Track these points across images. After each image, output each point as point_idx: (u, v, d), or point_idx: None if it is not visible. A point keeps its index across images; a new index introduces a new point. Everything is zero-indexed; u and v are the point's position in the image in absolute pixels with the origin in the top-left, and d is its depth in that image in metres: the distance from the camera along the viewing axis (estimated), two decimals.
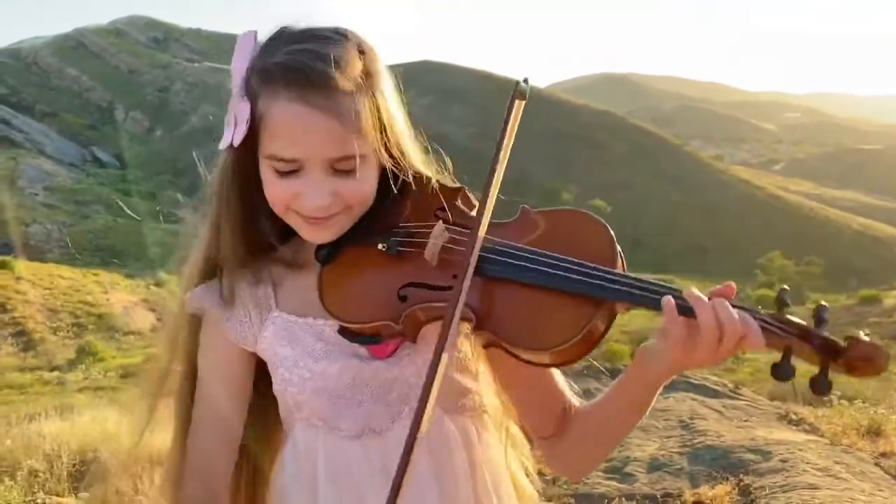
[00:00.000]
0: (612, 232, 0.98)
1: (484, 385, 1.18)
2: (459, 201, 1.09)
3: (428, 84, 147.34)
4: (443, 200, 1.08)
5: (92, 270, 59.22)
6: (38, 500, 4.94)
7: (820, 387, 0.87)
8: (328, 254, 1.09)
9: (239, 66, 1.06)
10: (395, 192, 1.10)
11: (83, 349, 35.02)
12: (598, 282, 0.92)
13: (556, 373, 1.16)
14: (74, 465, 5.79)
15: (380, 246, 1.05)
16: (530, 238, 1.00)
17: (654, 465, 4.87)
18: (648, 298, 0.91)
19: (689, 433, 5.37)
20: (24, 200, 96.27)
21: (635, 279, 0.93)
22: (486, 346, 1.02)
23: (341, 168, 1.02)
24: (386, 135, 1.05)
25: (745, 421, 5.81)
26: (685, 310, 0.89)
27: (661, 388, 1.01)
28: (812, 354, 0.88)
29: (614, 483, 4.46)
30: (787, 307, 0.91)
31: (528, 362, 0.97)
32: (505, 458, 1.19)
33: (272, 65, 1.02)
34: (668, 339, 0.92)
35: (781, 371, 0.88)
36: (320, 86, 0.98)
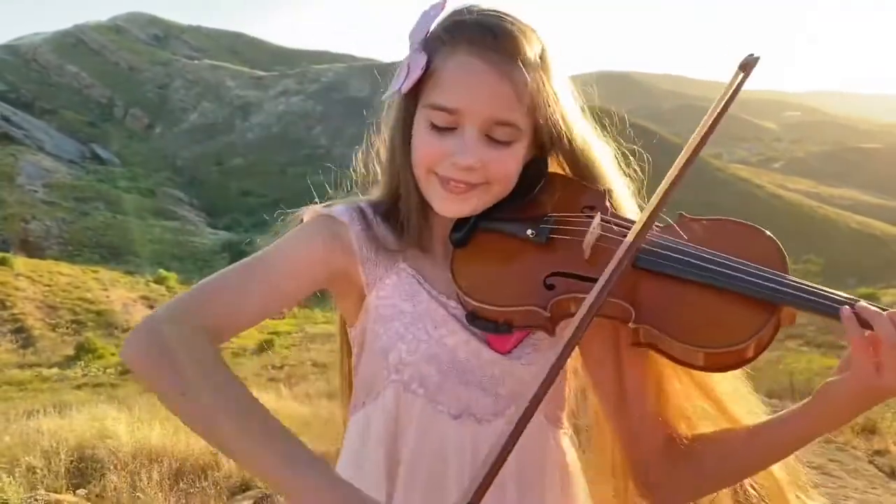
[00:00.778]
0: (779, 244, 0.96)
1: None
2: (608, 201, 1.07)
3: None
4: (588, 198, 1.07)
5: (91, 267, 59.22)
6: (37, 497, 4.96)
7: None
8: (464, 237, 1.06)
9: (422, 25, 1.05)
10: (545, 178, 1.10)
11: (82, 346, 35.04)
12: (775, 285, 0.89)
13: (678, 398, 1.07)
14: (72, 462, 5.82)
15: (528, 232, 1.03)
16: (692, 239, 0.98)
17: None
18: (826, 305, 0.87)
19: None
20: (24, 197, 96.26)
21: (809, 285, 0.89)
22: (639, 345, 0.95)
23: (497, 136, 1.02)
24: (553, 122, 1.05)
25: None
26: (864, 322, 0.85)
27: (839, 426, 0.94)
28: None
29: None
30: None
31: (680, 362, 0.93)
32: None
33: (463, 21, 1.03)
34: (850, 361, 0.87)
35: None
36: (504, 47, 1.00)
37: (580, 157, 1.10)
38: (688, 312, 0.91)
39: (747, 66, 0.97)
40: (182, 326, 0.93)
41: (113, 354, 38.68)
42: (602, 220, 1.01)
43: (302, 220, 1.12)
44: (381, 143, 1.14)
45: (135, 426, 7.30)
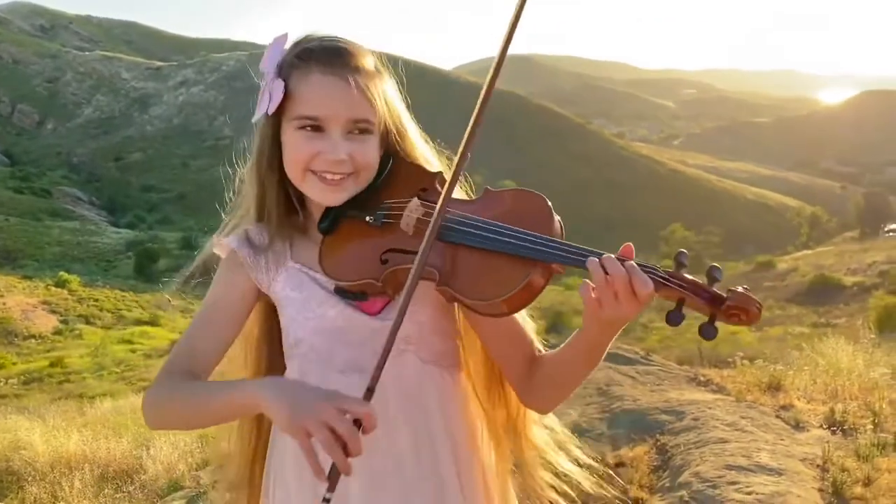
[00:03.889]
0: (549, 204, 1.16)
1: (471, 352, 1.40)
2: (437, 183, 1.28)
3: None
4: (423, 181, 1.29)
5: None
6: None
7: (707, 332, 1.05)
8: (329, 226, 1.30)
9: (272, 57, 1.29)
10: (388, 171, 1.32)
11: None
12: (532, 245, 1.10)
13: (525, 325, 1.33)
14: None
15: (367, 219, 1.26)
16: (492, 213, 1.19)
17: (577, 432, 5.01)
18: (574, 260, 1.09)
19: (607, 399, 5.60)
20: None
21: (564, 244, 1.10)
22: (450, 301, 1.19)
23: (356, 130, 1.26)
24: (392, 118, 1.31)
25: (658, 385, 6.10)
26: (603, 268, 1.07)
27: (610, 342, 1.17)
28: (701, 305, 1.05)
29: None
30: (683, 267, 1.07)
31: (480, 312, 1.16)
32: (485, 412, 1.40)
33: (308, 48, 1.27)
34: (594, 299, 1.08)
35: (673, 317, 1.05)
36: (346, 61, 1.25)
37: (413, 148, 1.36)
38: (472, 272, 1.15)
39: None
40: (163, 384, 1.26)
41: (15, 364, 36.85)
42: (421, 201, 1.24)
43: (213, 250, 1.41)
44: (246, 170, 1.38)
45: (50, 435, 7.03)
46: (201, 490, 4.98)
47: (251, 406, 1.13)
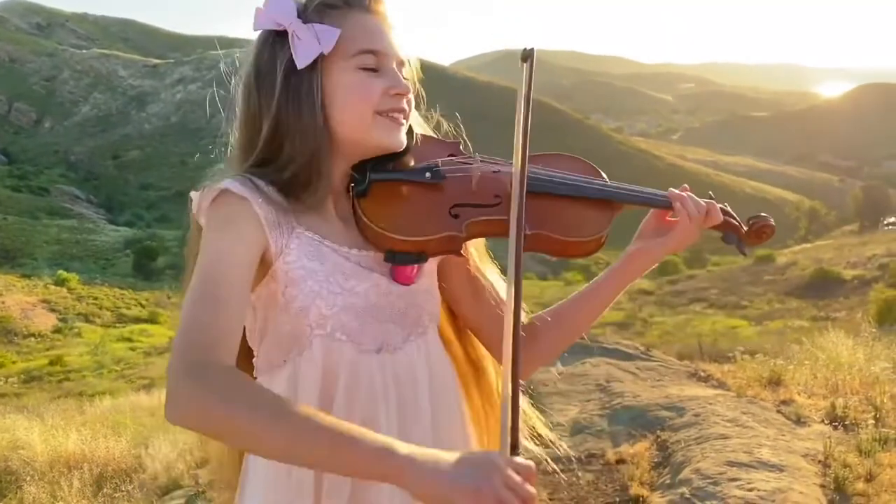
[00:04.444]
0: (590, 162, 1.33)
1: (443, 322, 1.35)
2: (461, 147, 1.31)
3: None
4: (448, 147, 1.31)
5: None
6: None
7: (741, 245, 1.35)
8: (366, 188, 1.20)
9: (281, 8, 1.17)
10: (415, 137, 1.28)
11: None
12: (614, 190, 1.28)
13: (500, 287, 1.32)
14: None
15: (427, 175, 1.22)
16: (554, 168, 1.29)
17: (577, 428, 5.06)
18: (655, 200, 1.30)
19: (608, 395, 5.58)
20: None
21: (632, 187, 1.31)
22: (536, 247, 1.22)
23: (402, 72, 1.21)
24: (414, 67, 1.27)
25: (659, 381, 6.09)
26: (667, 203, 1.30)
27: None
28: (737, 228, 1.35)
29: (540, 448, 4.60)
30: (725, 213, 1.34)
31: (572, 253, 1.25)
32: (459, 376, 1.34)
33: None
34: (675, 228, 1.28)
35: (729, 239, 1.35)
36: (379, 9, 1.21)
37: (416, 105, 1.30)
38: (563, 216, 1.24)
39: (528, 56, 1.19)
40: (209, 373, 0.97)
41: (14, 363, 36.85)
42: (481, 159, 1.27)
43: (199, 206, 1.15)
44: (251, 115, 1.19)
45: (49, 434, 7.01)
46: (200, 489, 4.97)
47: (388, 478, 0.91)
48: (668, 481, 3.97)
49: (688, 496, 3.64)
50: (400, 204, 1.21)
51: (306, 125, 1.16)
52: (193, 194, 1.18)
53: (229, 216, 1.12)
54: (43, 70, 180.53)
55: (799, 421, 4.70)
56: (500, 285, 1.33)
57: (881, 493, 3.59)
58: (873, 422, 4.56)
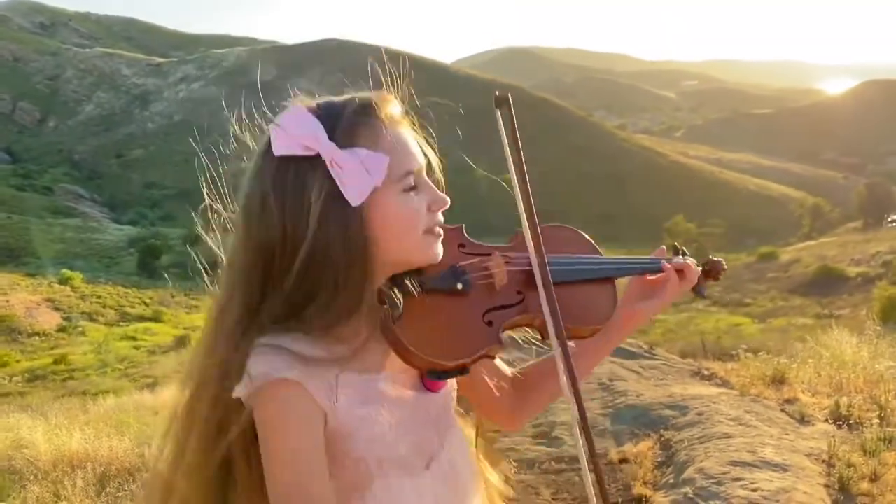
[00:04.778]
0: (584, 234, 1.34)
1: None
2: (464, 233, 1.24)
3: (335, 63, 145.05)
4: (456, 237, 1.22)
5: None
6: None
7: (700, 289, 1.38)
8: (401, 313, 1.09)
9: (308, 133, 1.04)
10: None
11: None
12: (617, 266, 1.29)
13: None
14: None
15: (458, 286, 1.13)
16: (550, 249, 1.20)
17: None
18: (649, 268, 1.32)
19: (611, 394, 5.57)
20: None
21: (630, 259, 1.33)
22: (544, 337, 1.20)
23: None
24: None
25: (662, 379, 6.07)
26: (657, 270, 1.33)
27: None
28: (700, 276, 1.38)
29: (543, 448, 4.60)
30: (684, 254, 1.39)
31: (585, 336, 1.24)
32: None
33: (364, 105, 1.08)
34: (664, 289, 1.31)
35: (701, 291, 1.38)
36: (403, 110, 1.13)
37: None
38: (576, 303, 1.22)
39: (502, 101, 1.13)
40: None
41: (18, 361, 36.92)
42: (502, 255, 1.19)
43: (247, 386, 1.02)
44: (266, 241, 1.05)
45: (52, 433, 7.01)
46: None
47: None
48: (671, 481, 3.96)
49: (691, 496, 3.63)
50: (436, 321, 1.12)
51: (354, 258, 1.04)
52: (250, 361, 1.02)
53: (286, 410, 1.02)
54: (46, 69, 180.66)
55: (803, 420, 4.69)
56: None
57: (886, 494, 3.57)
58: (878, 420, 4.54)
